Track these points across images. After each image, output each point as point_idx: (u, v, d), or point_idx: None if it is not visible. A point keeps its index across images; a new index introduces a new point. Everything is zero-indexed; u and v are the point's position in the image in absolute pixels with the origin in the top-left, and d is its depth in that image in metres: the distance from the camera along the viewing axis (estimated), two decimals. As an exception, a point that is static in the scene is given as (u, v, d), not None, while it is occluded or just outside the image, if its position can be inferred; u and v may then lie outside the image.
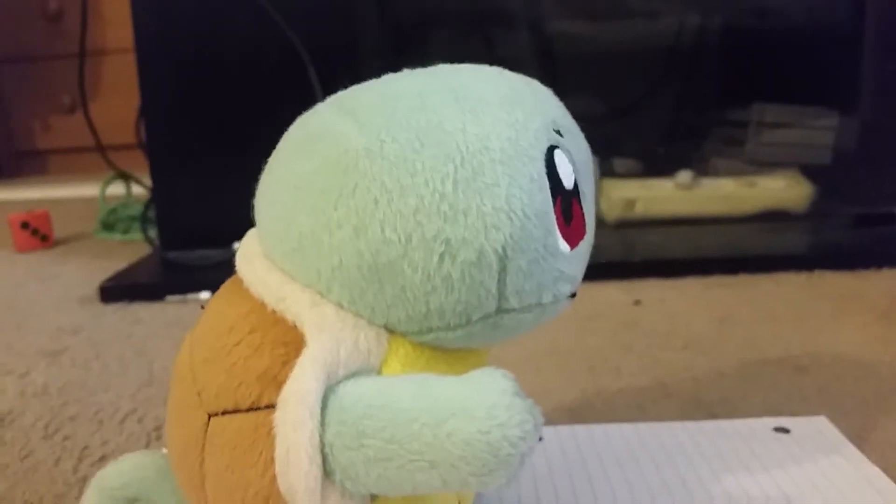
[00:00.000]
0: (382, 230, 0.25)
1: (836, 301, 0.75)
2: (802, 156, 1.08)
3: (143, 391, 0.61)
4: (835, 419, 0.49)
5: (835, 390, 0.55)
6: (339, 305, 0.27)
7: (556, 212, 0.27)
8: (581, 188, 0.28)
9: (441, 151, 0.25)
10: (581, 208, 0.28)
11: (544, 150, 0.27)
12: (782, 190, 1.02)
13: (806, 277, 0.83)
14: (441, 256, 0.25)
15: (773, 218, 1.01)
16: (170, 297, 0.87)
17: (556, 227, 0.27)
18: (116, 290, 0.89)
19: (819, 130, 1.09)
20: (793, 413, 0.51)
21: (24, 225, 1.18)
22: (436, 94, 0.26)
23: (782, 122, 1.09)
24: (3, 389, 0.63)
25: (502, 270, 0.26)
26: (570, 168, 0.28)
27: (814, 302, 0.75)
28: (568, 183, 0.27)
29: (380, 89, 0.27)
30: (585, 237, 0.29)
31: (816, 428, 0.49)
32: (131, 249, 1.12)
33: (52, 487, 0.47)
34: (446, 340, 0.27)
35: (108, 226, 1.27)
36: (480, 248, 0.25)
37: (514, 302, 0.26)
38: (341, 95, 0.28)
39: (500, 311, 0.27)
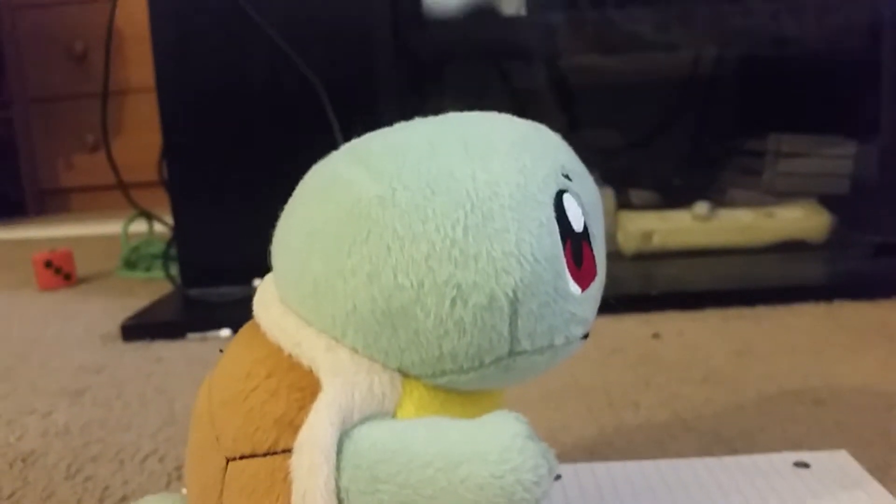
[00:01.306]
0: (395, 276, 0.26)
1: (856, 332, 0.74)
2: (820, 185, 1.08)
3: (163, 431, 0.62)
4: (855, 453, 0.49)
5: (855, 423, 0.54)
6: (354, 350, 0.27)
7: (566, 255, 0.27)
8: (591, 230, 0.29)
9: (451, 198, 0.26)
10: (591, 250, 0.29)
11: (553, 194, 0.27)
12: (800, 220, 1.02)
13: (825, 308, 0.82)
14: (453, 301, 0.25)
15: (791, 248, 1.01)
16: (191, 335, 0.88)
17: (567, 270, 0.27)
18: (138, 329, 0.89)
19: (837, 160, 1.08)
20: (812, 446, 0.51)
21: (48, 264, 1.20)
22: (446, 142, 0.27)
23: (799, 152, 1.09)
24: (26, 429, 0.64)
25: (514, 314, 0.26)
26: (579, 211, 0.28)
27: (833, 333, 0.74)
28: (577, 226, 0.28)
29: (391, 138, 0.28)
30: (596, 279, 0.29)
31: (837, 462, 0.48)
32: (153, 287, 1.13)
33: (73, 528, 0.47)
34: (460, 383, 0.28)
35: (130, 264, 1.29)
36: (491, 292, 0.25)
37: (526, 344, 0.27)
38: (354, 144, 0.29)
39: (512, 353, 0.27)
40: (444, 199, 0.26)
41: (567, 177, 0.28)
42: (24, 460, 0.58)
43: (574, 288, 0.27)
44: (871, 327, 0.75)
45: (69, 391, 0.72)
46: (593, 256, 0.29)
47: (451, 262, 0.25)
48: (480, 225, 0.25)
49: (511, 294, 0.26)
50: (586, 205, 0.29)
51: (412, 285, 0.25)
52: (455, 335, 0.26)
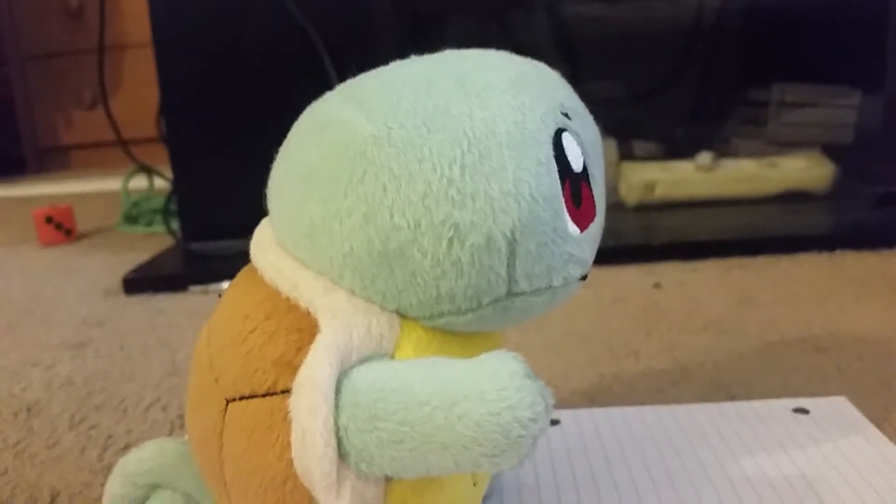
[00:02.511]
0: (392, 216, 0.25)
1: (858, 281, 0.74)
2: (824, 135, 1.07)
3: (166, 381, 0.62)
4: (855, 400, 0.49)
5: (855, 371, 0.54)
6: (352, 292, 0.27)
7: (565, 195, 0.27)
8: (590, 171, 0.28)
9: (448, 136, 0.25)
10: (591, 191, 0.28)
11: (552, 133, 0.27)
12: (804, 170, 1.01)
13: (827, 258, 0.82)
14: (450, 241, 0.25)
15: (794, 198, 1.00)
16: (192, 288, 0.88)
17: (565, 210, 0.27)
18: (139, 282, 0.90)
19: (841, 109, 1.07)
20: (813, 394, 0.51)
21: (48, 219, 1.20)
22: (442, 79, 0.27)
23: (803, 102, 1.08)
24: (29, 380, 0.64)
25: (511, 254, 0.26)
26: (578, 151, 0.28)
27: (835, 282, 0.74)
28: (577, 166, 0.27)
29: (386, 76, 0.28)
30: (596, 220, 0.29)
31: (836, 409, 0.48)
32: (154, 242, 1.13)
33: (78, 475, 0.48)
34: (458, 324, 0.27)
35: (130, 219, 1.29)
36: (489, 232, 0.25)
37: (524, 285, 0.27)
38: (349, 84, 0.29)
39: (510, 294, 0.27)
40: (441, 138, 0.25)
41: (566, 115, 0.28)
42: (28, 410, 0.58)
43: (573, 228, 0.27)
44: (873, 277, 0.75)
45: (72, 344, 0.73)
46: (592, 197, 0.28)
47: (448, 201, 0.25)
48: (477, 164, 0.25)
49: (509, 234, 0.25)
50: (586, 144, 0.28)
51: (409, 225, 0.25)
52: (452, 276, 0.26)
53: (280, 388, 0.27)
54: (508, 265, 0.26)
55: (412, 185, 0.25)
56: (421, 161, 0.25)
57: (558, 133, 0.27)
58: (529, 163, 0.26)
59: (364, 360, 0.26)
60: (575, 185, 0.27)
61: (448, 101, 0.26)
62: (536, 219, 0.26)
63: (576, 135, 0.28)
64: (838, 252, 0.83)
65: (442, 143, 0.25)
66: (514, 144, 0.26)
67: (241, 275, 0.31)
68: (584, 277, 0.29)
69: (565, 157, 0.27)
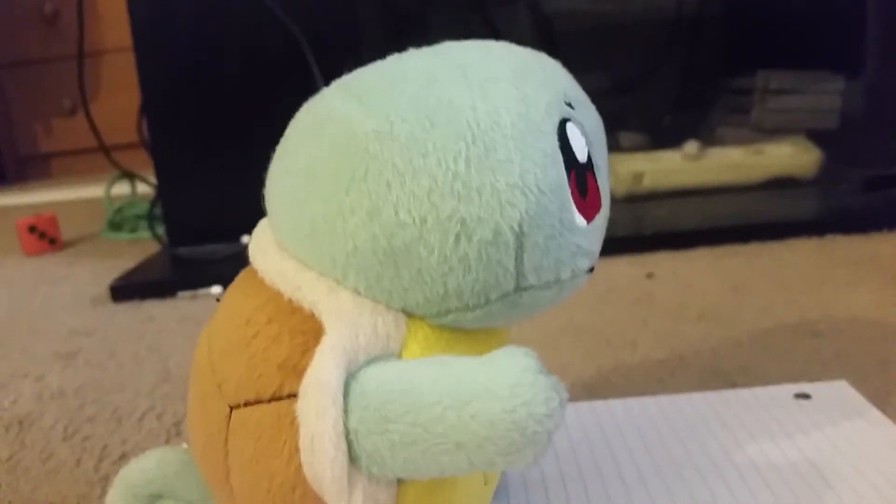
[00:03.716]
0: (396, 213, 0.25)
1: (850, 265, 0.74)
2: (809, 121, 1.07)
3: (159, 388, 0.61)
4: (855, 383, 0.49)
5: (853, 354, 0.54)
6: (356, 291, 0.26)
7: (570, 186, 0.26)
8: (595, 161, 0.28)
9: (452, 130, 0.25)
10: (595, 181, 0.28)
11: (556, 123, 0.26)
12: (790, 156, 1.02)
13: (818, 243, 0.82)
14: (457, 237, 0.25)
15: (782, 185, 1.01)
16: (181, 293, 0.87)
17: (572, 201, 0.26)
18: (127, 289, 0.89)
19: (825, 95, 1.08)
20: (812, 379, 0.51)
21: (32, 228, 1.18)
22: (443, 72, 0.26)
23: (788, 89, 1.08)
24: (20, 393, 0.63)
25: (519, 248, 0.25)
26: (582, 141, 0.27)
27: (827, 267, 0.74)
28: (581, 156, 0.27)
29: (385, 70, 0.27)
30: (601, 210, 0.28)
31: (838, 392, 0.48)
32: (139, 248, 1.12)
33: (74, 487, 0.47)
34: (465, 321, 0.27)
35: (115, 225, 1.27)
36: (496, 226, 0.25)
37: (532, 279, 0.26)
38: (346, 79, 0.28)
39: (518, 289, 0.26)
40: (444, 131, 0.25)
41: (570, 105, 0.27)
42: (20, 423, 0.57)
43: (579, 219, 0.27)
44: (864, 260, 0.76)
45: (61, 354, 0.71)
46: (598, 187, 0.28)
47: (454, 196, 0.24)
48: (483, 156, 0.25)
49: (516, 227, 0.25)
50: (590, 134, 0.28)
51: (414, 222, 0.25)
52: (460, 272, 0.25)
53: (286, 392, 0.26)
54: (516, 259, 0.25)
55: (417, 180, 0.24)
56: (425, 155, 0.24)
57: (562, 123, 0.26)
58: (535, 154, 0.25)
59: (371, 360, 0.26)
60: (580, 175, 0.27)
61: (450, 93, 0.25)
62: (544, 211, 0.25)
63: (579, 124, 0.27)
64: (828, 236, 0.84)
65: (446, 137, 0.25)
66: (519, 136, 0.25)
67: (241, 277, 0.30)
68: (591, 269, 0.29)
69: (570, 147, 0.26)
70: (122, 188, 1.31)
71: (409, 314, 0.27)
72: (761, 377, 0.52)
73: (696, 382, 0.53)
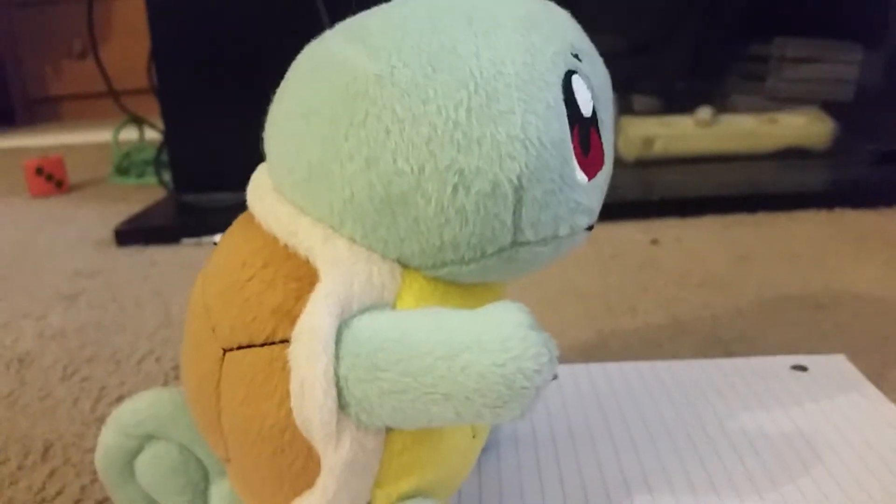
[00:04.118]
0: (394, 161, 0.24)
1: (857, 239, 0.74)
2: (825, 92, 1.06)
3: (159, 332, 0.61)
4: (854, 357, 0.49)
5: (854, 328, 0.54)
6: (352, 239, 0.26)
7: (573, 141, 0.26)
8: (599, 116, 0.27)
9: (454, 77, 0.24)
10: (599, 137, 0.27)
11: (561, 75, 0.26)
12: (803, 127, 1.00)
13: (826, 215, 0.82)
14: (455, 187, 0.24)
15: (793, 155, 1.00)
16: (185, 240, 0.87)
17: (574, 156, 0.26)
18: (132, 234, 0.89)
19: (843, 65, 1.06)
20: (811, 351, 0.51)
21: (39, 170, 1.18)
22: (448, 16, 0.25)
23: (805, 57, 1.06)
24: (21, 332, 0.63)
25: (518, 201, 0.25)
26: (588, 95, 0.27)
27: (834, 240, 0.74)
28: (586, 110, 0.26)
29: (389, 13, 0.26)
30: (604, 168, 0.28)
31: (835, 366, 0.48)
32: (146, 193, 1.12)
33: (70, 426, 0.48)
34: (461, 274, 0.27)
35: (122, 170, 1.27)
36: (495, 178, 0.24)
37: (529, 234, 0.26)
38: (349, 21, 0.27)
39: (515, 243, 0.26)
40: (447, 78, 0.24)
41: (577, 57, 0.26)
42: (20, 361, 0.58)
43: (581, 176, 0.26)
44: (871, 234, 0.75)
45: (64, 295, 0.72)
46: (601, 144, 0.27)
47: (454, 145, 0.24)
48: (484, 106, 0.24)
49: (515, 181, 0.24)
50: (596, 88, 0.27)
51: (412, 170, 0.24)
52: (456, 224, 0.25)
53: (279, 337, 0.26)
54: (514, 213, 0.25)
55: (416, 127, 0.24)
56: (426, 102, 0.24)
57: (568, 75, 0.26)
58: (538, 105, 0.25)
59: (365, 309, 0.26)
60: (584, 130, 0.26)
61: (455, 39, 0.25)
62: (544, 165, 0.25)
63: (586, 77, 0.27)
64: (837, 210, 0.83)
65: (448, 84, 0.24)
66: (522, 86, 0.24)
67: (238, 222, 0.30)
68: (590, 228, 0.28)
69: (575, 100, 0.26)
70: (130, 133, 1.30)
71: (404, 265, 0.27)
72: (759, 347, 0.52)
73: (693, 349, 0.53)
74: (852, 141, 1.01)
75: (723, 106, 1.06)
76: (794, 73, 1.06)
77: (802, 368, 0.48)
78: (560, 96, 0.25)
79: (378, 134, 0.24)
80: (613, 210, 0.86)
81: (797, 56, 1.06)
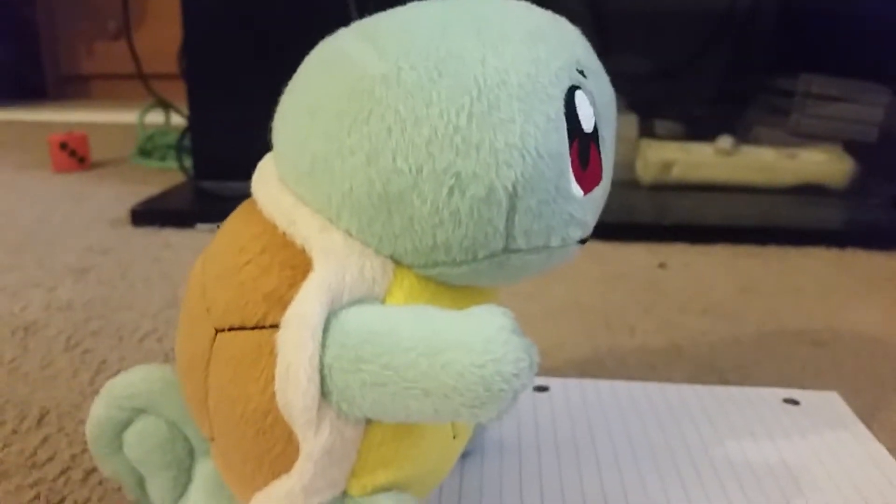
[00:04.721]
0: (394, 159, 0.25)
1: (865, 279, 0.74)
2: (847, 131, 1.06)
3: (164, 312, 0.62)
4: (848, 396, 0.49)
5: (851, 367, 0.54)
6: (348, 233, 0.27)
7: (572, 154, 0.26)
8: (601, 132, 0.28)
9: (458, 83, 0.25)
10: (599, 153, 0.28)
11: (565, 89, 0.26)
12: (822, 164, 1.00)
13: (837, 254, 0.82)
14: (450, 190, 0.25)
15: (810, 191, 0.99)
16: (200, 226, 0.88)
17: (571, 169, 0.26)
18: (148, 215, 0.90)
19: (867, 106, 1.06)
20: (805, 386, 0.51)
21: (63, 145, 1.20)
22: (458, 24, 0.26)
23: (830, 95, 1.06)
24: (30, 301, 0.65)
25: (511, 209, 0.25)
26: (590, 111, 0.27)
27: (841, 278, 0.74)
28: (587, 126, 0.27)
29: (402, 16, 0.27)
30: (601, 183, 0.28)
31: (827, 402, 0.48)
32: (166, 177, 1.13)
33: (68, 396, 0.48)
34: (452, 276, 0.27)
35: (145, 152, 1.29)
36: (490, 184, 0.25)
37: (521, 242, 0.26)
38: (363, 21, 0.28)
39: (506, 250, 0.26)
40: (451, 83, 0.25)
41: (582, 73, 0.27)
42: (26, 330, 0.59)
43: (576, 189, 0.27)
44: (880, 276, 0.75)
45: (75, 269, 0.73)
46: (600, 160, 0.28)
47: (453, 149, 0.25)
48: (486, 113, 0.25)
49: (510, 188, 0.25)
50: (599, 105, 0.28)
51: (410, 170, 0.25)
52: (450, 225, 0.25)
53: (269, 321, 0.26)
54: (507, 220, 0.26)
55: (418, 128, 0.25)
56: (429, 105, 0.25)
57: (571, 90, 0.26)
58: (538, 117, 0.25)
59: (355, 301, 0.26)
60: (583, 145, 0.27)
61: (462, 46, 0.25)
62: (540, 175, 0.25)
63: (589, 94, 0.27)
64: (849, 249, 0.83)
65: (451, 89, 0.25)
66: (524, 97, 0.25)
67: (242, 207, 0.31)
68: (583, 241, 0.29)
69: (576, 115, 0.26)
70: (157, 117, 1.32)
71: (397, 262, 0.27)
72: (754, 378, 0.52)
73: (688, 374, 0.53)
74: (871, 182, 1.01)
75: (744, 137, 1.06)
76: (817, 110, 1.06)
77: (794, 402, 0.48)
78: (561, 110, 0.26)
79: (380, 132, 0.25)
80: (625, 230, 0.87)
81: (822, 93, 1.06)
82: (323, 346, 0.25)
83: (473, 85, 0.25)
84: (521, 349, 0.24)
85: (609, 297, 0.67)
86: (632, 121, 1.05)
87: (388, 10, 0.28)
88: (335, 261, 0.26)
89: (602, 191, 0.29)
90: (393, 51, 0.25)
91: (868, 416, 0.47)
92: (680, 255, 0.81)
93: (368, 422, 0.26)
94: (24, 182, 1.14)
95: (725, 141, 1.01)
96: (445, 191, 0.25)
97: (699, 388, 0.50)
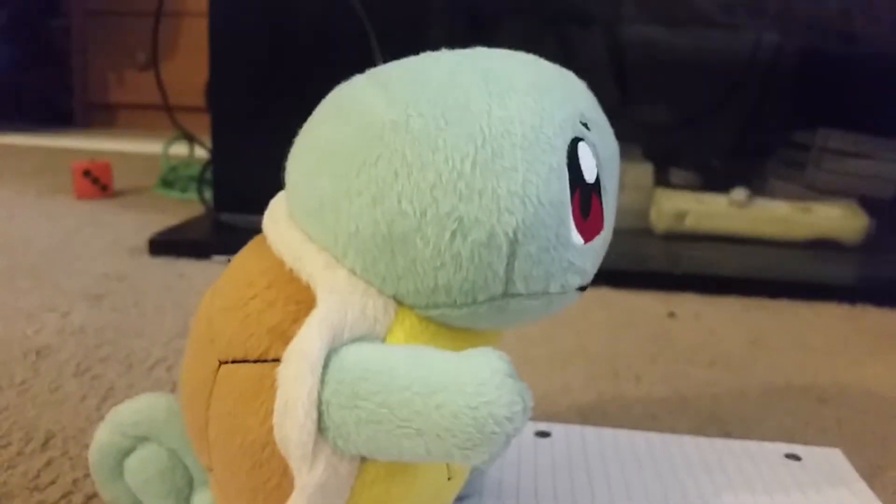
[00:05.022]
0: (399, 202, 0.26)
1: (874, 337, 0.73)
2: (863, 187, 1.06)
3: (175, 341, 0.63)
4: (851, 453, 0.49)
5: (855, 424, 0.54)
6: (352, 271, 0.28)
7: (573, 204, 0.27)
8: (603, 183, 0.29)
9: (464, 131, 0.26)
10: (601, 203, 0.29)
11: (568, 140, 0.27)
12: (837, 219, 1.00)
13: (847, 310, 0.81)
14: (453, 234, 0.26)
15: (823, 246, 0.99)
16: (216, 257, 0.89)
17: (571, 218, 0.27)
18: (165, 244, 0.91)
19: (885, 163, 1.06)
20: (808, 442, 0.50)
21: (86, 173, 1.22)
22: (467, 75, 0.27)
23: (847, 151, 1.06)
24: (44, 324, 0.66)
25: (511, 254, 0.26)
26: (593, 162, 0.28)
27: (850, 335, 0.74)
28: (589, 176, 0.28)
29: (414, 65, 0.28)
30: (602, 233, 0.29)
31: (829, 459, 0.48)
32: (186, 208, 1.15)
33: (74, 420, 0.49)
34: (452, 318, 0.28)
35: (167, 183, 1.30)
36: (492, 229, 0.26)
37: (520, 287, 0.27)
38: (378, 69, 0.29)
39: (506, 294, 0.27)
40: (457, 131, 0.26)
41: (586, 126, 0.28)
42: (37, 353, 0.59)
43: (577, 238, 0.27)
44: (890, 334, 0.74)
45: (90, 294, 0.74)
46: (602, 210, 0.29)
47: (456, 194, 0.25)
48: (489, 161, 0.25)
49: (511, 234, 0.26)
50: (602, 157, 0.28)
51: (415, 213, 0.26)
52: (451, 268, 0.26)
53: (271, 355, 0.27)
54: (507, 265, 0.26)
55: (423, 173, 0.26)
56: (434, 151, 0.25)
57: (575, 142, 0.27)
58: (540, 167, 0.26)
59: (356, 339, 0.27)
60: (585, 195, 0.28)
61: (469, 96, 0.26)
62: (540, 223, 0.26)
63: (592, 146, 0.28)
64: (859, 305, 0.82)
65: (457, 137, 0.26)
66: (527, 147, 0.26)
67: (253, 242, 0.32)
68: (583, 288, 0.29)
69: (579, 166, 0.27)
70: (180, 149, 1.34)
71: (399, 302, 0.28)
72: (757, 431, 0.52)
73: (691, 425, 0.53)
74: (886, 238, 1.01)
75: (759, 189, 1.07)
76: (834, 166, 1.07)
77: (796, 458, 0.48)
78: (564, 160, 0.27)
79: (387, 175, 0.26)
80: (636, 278, 0.87)
81: (839, 149, 1.06)
82: (322, 381, 0.26)
83: (479, 133, 0.26)
84: (515, 392, 0.24)
85: (616, 345, 0.68)
86: (647, 169, 1.05)
87: (403, 59, 0.29)
88: (338, 298, 0.27)
89: (603, 240, 0.29)
90: (403, 98, 0.26)
91: (871, 474, 0.47)
92: (690, 305, 0.81)
93: (363, 460, 0.27)
94: (46, 207, 1.16)
95: (740, 193, 1.01)
96: (448, 234, 0.26)
97: (701, 440, 0.50)
